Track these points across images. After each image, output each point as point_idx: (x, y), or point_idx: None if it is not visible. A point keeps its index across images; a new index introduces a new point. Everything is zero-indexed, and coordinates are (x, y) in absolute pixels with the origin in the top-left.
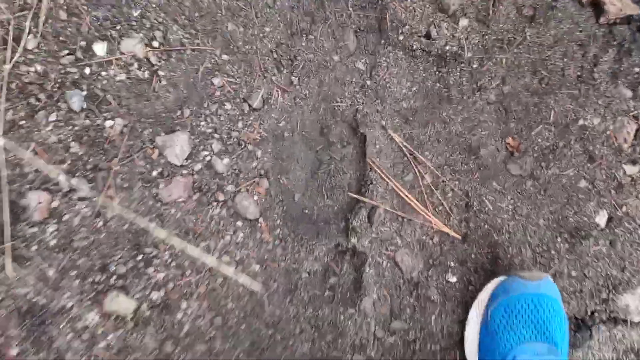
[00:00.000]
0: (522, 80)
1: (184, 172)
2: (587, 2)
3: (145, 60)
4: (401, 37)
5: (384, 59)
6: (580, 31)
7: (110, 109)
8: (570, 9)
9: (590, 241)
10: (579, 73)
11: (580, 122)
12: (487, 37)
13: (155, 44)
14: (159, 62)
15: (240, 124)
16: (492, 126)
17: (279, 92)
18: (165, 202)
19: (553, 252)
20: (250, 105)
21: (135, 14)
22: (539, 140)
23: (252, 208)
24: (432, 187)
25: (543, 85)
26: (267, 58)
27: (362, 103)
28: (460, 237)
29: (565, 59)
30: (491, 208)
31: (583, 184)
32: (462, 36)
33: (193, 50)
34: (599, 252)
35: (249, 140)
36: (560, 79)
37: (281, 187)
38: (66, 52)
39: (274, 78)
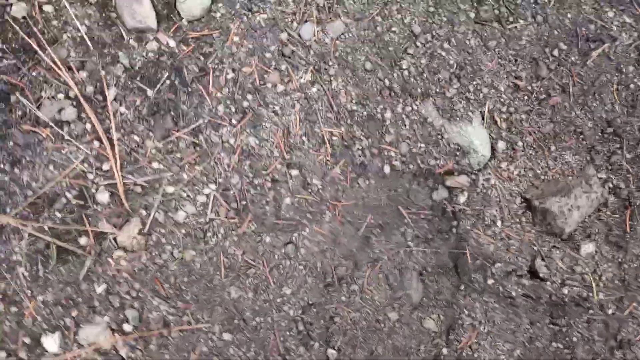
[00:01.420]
0: None
1: None
2: None
3: (112, 352)
4: (491, 280)
5: (466, 312)
6: None
7: None
8: None
9: None
10: None
11: None
12: (626, 265)
13: (127, 328)
14: (132, 353)
15: None
16: None
17: None
18: None
19: None
20: None
21: (100, 289)
22: None
23: None
24: None
25: None
26: (288, 332)
27: None
28: None
29: None
30: None
31: None
32: (587, 269)
33: (182, 331)
34: None
35: None
36: None
37: None
38: (4, 354)
39: None
